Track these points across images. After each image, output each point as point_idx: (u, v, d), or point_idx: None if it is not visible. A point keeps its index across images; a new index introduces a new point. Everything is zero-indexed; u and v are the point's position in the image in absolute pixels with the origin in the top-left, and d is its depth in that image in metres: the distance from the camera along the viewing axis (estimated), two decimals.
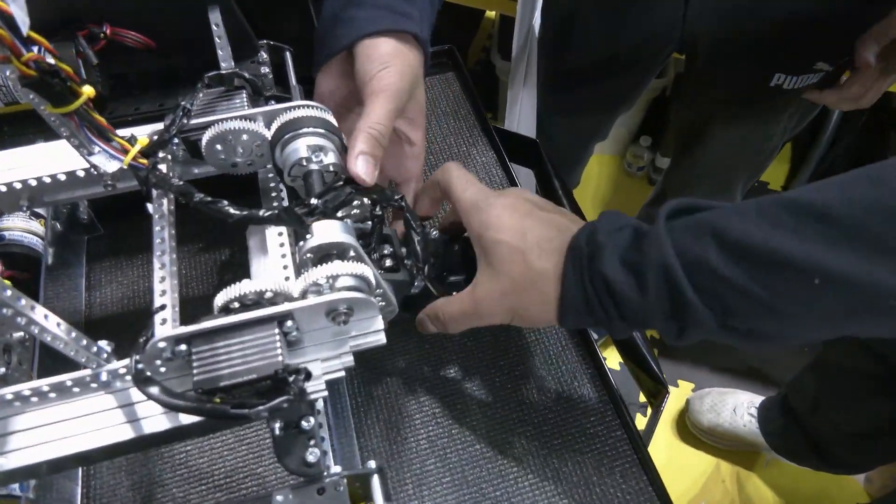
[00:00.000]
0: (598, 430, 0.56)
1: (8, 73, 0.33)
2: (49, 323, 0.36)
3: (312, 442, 0.40)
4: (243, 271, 0.47)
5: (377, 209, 0.46)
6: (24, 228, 0.59)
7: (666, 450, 1.40)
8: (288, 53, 0.63)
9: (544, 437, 0.55)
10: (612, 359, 1.41)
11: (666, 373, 1.46)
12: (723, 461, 1.37)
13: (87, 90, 0.35)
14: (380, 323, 0.41)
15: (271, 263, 0.46)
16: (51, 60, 0.32)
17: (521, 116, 1.16)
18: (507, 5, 1.25)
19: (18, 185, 0.48)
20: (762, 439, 1.28)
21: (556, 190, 0.69)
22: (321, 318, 0.39)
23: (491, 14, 1.85)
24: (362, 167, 0.44)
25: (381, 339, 0.41)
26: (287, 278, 0.44)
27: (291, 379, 0.36)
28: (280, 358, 0.36)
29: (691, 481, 1.35)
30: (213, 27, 0.54)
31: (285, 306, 0.37)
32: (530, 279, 0.43)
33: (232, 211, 0.42)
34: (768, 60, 0.81)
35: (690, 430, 1.39)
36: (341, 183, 0.44)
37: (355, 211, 0.46)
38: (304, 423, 0.40)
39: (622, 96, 1.06)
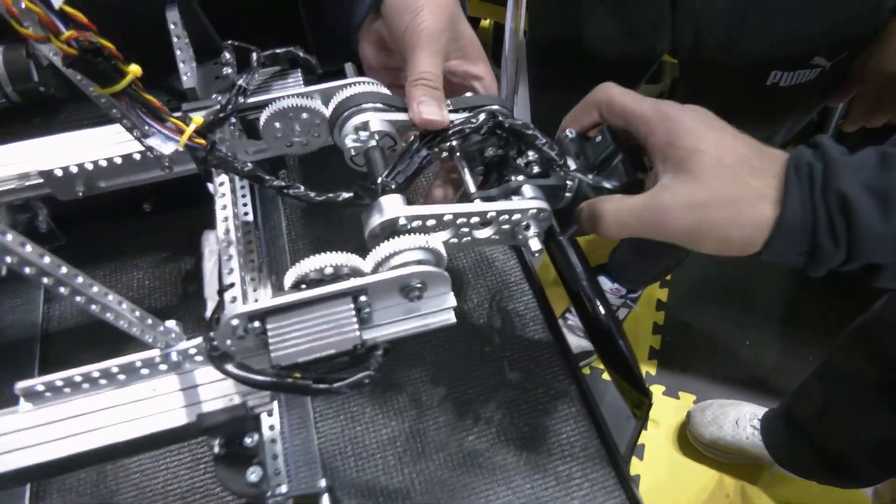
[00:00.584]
0: (574, 440, 0.53)
1: (51, 54, 0.32)
2: (111, 300, 0.35)
3: (256, 460, 0.37)
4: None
5: (499, 120, 0.44)
6: None
7: (667, 464, 1.35)
8: (254, 55, 0.61)
9: (518, 452, 0.52)
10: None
11: (666, 384, 1.45)
12: (726, 475, 1.33)
13: (134, 69, 0.33)
14: (451, 301, 0.39)
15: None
16: (92, 38, 0.31)
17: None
18: (500, 13, 1.23)
19: (75, 170, 0.47)
20: (766, 452, 1.24)
21: None
22: (394, 294, 0.38)
23: (486, 23, 1.83)
24: (427, 111, 0.43)
25: (451, 318, 0.39)
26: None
27: (371, 355, 0.36)
28: (357, 333, 0.35)
29: (693, 496, 1.31)
30: (171, 26, 0.52)
31: (360, 280, 0.36)
32: (741, 198, 0.39)
33: (312, 195, 0.40)
34: (764, 58, 0.79)
35: (692, 444, 1.35)
36: (415, 145, 0.43)
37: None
38: (247, 440, 0.37)
39: None
